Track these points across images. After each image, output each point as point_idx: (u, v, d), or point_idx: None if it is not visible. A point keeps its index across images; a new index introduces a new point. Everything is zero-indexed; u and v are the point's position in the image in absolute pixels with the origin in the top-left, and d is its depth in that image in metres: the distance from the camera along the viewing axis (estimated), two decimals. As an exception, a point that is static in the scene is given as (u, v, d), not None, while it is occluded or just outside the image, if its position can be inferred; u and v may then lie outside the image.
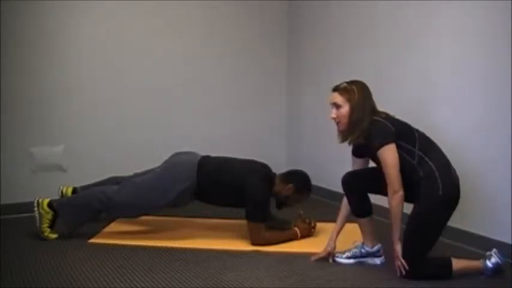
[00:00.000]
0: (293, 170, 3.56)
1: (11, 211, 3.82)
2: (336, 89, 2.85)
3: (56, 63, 4.08)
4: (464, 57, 3.27)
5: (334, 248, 3.00)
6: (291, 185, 3.33)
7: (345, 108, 2.79)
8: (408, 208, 2.77)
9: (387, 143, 2.68)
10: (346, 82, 2.86)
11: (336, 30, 4.39)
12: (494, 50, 3.07)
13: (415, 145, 2.74)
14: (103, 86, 4.26)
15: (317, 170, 4.12)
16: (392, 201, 2.68)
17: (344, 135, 2.83)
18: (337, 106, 2.81)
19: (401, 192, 2.66)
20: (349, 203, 2.95)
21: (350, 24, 4.23)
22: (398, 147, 2.71)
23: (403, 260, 2.68)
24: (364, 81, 2.89)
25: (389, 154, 2.67)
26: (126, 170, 3.63)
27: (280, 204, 3.41)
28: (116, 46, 4.29)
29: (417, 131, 2.83)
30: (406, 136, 2.75)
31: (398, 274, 2.70)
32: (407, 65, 3.69)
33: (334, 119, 2.84)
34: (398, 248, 2.70)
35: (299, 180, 3.39)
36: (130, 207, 3.30)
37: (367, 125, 2.75)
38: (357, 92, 2.78)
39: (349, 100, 2.78)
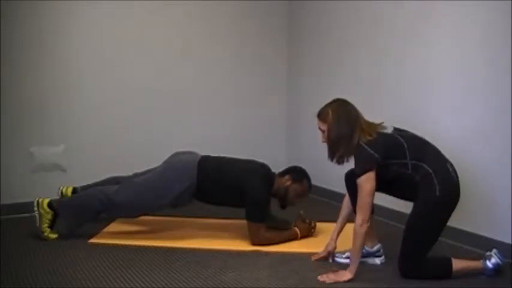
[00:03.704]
0: (289, 166, 3.53)
1: (11, 211, 3.82)
2: (317, 115, 2.89)
3: (56, 63, 4.08)
4: (464, 57, 3.27)
5: (335, 247, 3.01)
6: (287, 176, 3.33)
7: (326, 131, 2.84)
8: (408, 207, 2.78)
9: (366, 171, 2.67)
10: (326, 104, 2.88)
11: (336, 30, 4.39)
12: (495, 51, 3.07)
13: (406, 157, 2.73)
14: (103, 86, 4.25)
15: (317, 170, 4.11)
16: (359, 230, 2.67)
17: (329, 156, 2.86)
18: (322, 131, 2.87)
19: (369, 223, 2.69)
20: (351, 200, 2.96)
21: (350, 24, 4.23)
22: (390, 165, 2.72)
23: (333, 280, 2.67)
24: (346, 98, 2.88)
25: (366, 184, 2.67)
26: (126, 170, 3.63)
27: (284, 202, 3.37)
28: (116, 46, 4.29)
29: (407, 139, 2.78)
30: (394, 152, 2.74)
31: (319, 277, 2.70)
32: (407, 65, 3.69)
33: (323, 142, 2.89)
34: (346, 277, 2.67)
35: (295, 171, 3.39)
36: (130, 208, 3.30)
37: (353, 147, 2.74)
38: (330, 114, 2.81)
39: (326, 123, 2.83)
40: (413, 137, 2.83)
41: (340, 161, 2.84)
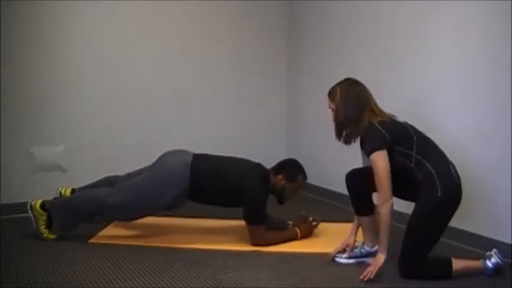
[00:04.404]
0: (282, 161, 3.48)
1: (11, 211, 3.82)
2: (328, 93, 2.90)
3: (56, 63, 4.08)
4: (464, 57, 3.27)
5: (354, 241, 2.99)
6: (281, 175, 3.32)
7: (334, 110, 2.85)
8: (408, 207, 2.78)
9: (377, 149, 2.68)
10: (337, 83, 2.89)
11: (336, 30, 4.39)
12: (495, 51, 3.07)
13: (413, 149, 2.73)
14: (103, 86, 4.26)
15: (317, 170, 4.12)
16: (382, 210, 2.66)
17: (336, 135, 2.87)
18: (331, 110, 2.88)
19: (391, 201, 2.66)
20: (351, 200, 2.96)
21: (350, 24, 4.23)
22: (395, 151, 2.72)
23: (373, 270, 2.63)
24: (358, 79, 2.90)
25: (380, 161, 2.66)
26: (126, 170, 3.59)
27: (281, 198, 3.36)
28: (116, 46, 4.29)
29: (417, 133, 2.81)
30: (403, 140, 2.75)
31: (361, 277, 2.64)
32: (407, 65, 3.69)
33: (333, 121, 2.88)
34: (382, 259, 2.65)
35: (287, 169, 3.36)
36: (123, 211, 3.26)
37: (361, 127, 2.75)
38: (339, 93, 2.83)
39: (334, 101, 2.84)
40: (421, 133, 2.84)
41: (347, 141, 2.84)
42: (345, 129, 2.82)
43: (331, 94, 2.87)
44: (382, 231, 2.68)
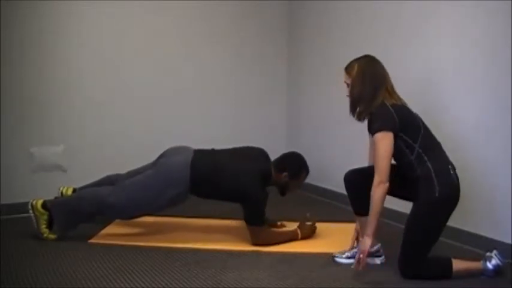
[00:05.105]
0: (285, 155, 3.49)
1: (11, 211, 3.82)
2: (345, 67, 2.89)
3: (56, 63, 4.08)
4: (464, 57, 3.27)
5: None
6: (285, 173, 3.33)
7: (350, 86, 2.84)
8: (407, 207, 2.78)
9: (384, 129, 2.65)
10: (356, 58, 2.88)
11: (336, 29, 4.39)
12: (494, 50, 3.07)
13: (417, 141, 2.72)
14: (103, 86, 4.26)
15: (317, 170, 4.12)
16: (376, 191, 2.63)
17: (350, 110, 2.86)
18: (347, 84, 2.86)
19: (387, 184, 2.63)
20: (349, 199, 2.95)
21: (350, 24, 4.23)
22: (399, 138, 2.70)
23: (364, 258, 2.62)
24: (374, 56, 2.88)
25: (383, 142, 2.64)
26: (126, 170, 3.60)
27: (283, 191, 3.40)
28: (116, 46, 4.29)
29: (425, 127, 2.80)
30: (409, 129, 2.73)
31: (353, 266, 2.64)
32: (407, 64, 3.69)
33: (347, 96, 2.87)
34: (367, 243, 2.64)
35: (291, 167, 3.36)
36: (124, 210, 3.26)
37: (374, 106, 2.73)
38: (356, 68, 2.81)
39: (350, 77, 2.83)
40: (429, 129, 2.82)
41: (360, 117, 2.82)
42: (358, 105, 2.80)
43: (348, 69, 2.85)
44: (372, 214, 2.65)
